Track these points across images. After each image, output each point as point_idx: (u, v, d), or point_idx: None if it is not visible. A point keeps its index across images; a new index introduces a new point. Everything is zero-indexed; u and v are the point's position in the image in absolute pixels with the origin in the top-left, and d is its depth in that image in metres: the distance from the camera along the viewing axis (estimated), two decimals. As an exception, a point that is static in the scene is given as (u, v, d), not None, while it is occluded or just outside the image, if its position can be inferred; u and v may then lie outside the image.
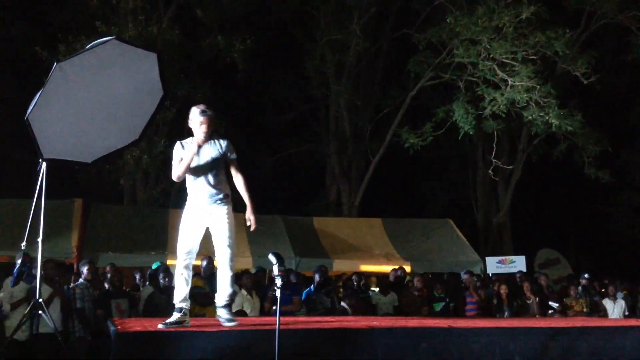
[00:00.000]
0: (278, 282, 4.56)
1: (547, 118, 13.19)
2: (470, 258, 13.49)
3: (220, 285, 5.13)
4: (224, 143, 5.09)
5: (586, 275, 11.75)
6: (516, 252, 16.55)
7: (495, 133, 14.99)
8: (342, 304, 8.68)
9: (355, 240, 13.26)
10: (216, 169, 5.05)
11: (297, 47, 18.37)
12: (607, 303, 10.98)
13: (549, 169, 21.17)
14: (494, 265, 13.57)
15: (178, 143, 5.09)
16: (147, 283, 8.23)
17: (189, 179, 5.03)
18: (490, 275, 12.92)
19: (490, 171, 15.78)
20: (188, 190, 5.06)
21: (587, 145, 16.10)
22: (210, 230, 5.10)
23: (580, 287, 11.29)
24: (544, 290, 11.13)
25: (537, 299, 10.54)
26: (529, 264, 14.66)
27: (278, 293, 4.50)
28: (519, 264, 13.55)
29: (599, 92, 16.05)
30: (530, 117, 13.46)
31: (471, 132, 14.33)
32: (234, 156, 5.11)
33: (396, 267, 11.14)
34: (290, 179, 21.00)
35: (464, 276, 10.74)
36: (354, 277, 10.34)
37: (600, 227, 23.30)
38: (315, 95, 18.66)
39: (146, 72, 5.48)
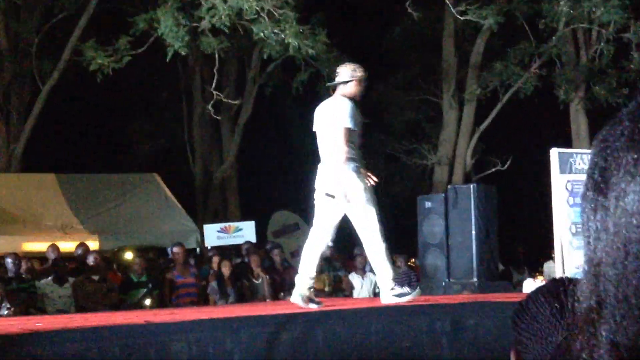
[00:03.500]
0: None
1: (282, 36, 13.76)
2: (183, 227, 13.77)
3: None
4: None
5: (329, 244, 12.70)
6: (244, 217, 17.27)
7: (217, 55, 15.26)
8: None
9: (15, 206, 12.90)
10: None
11: None
12: (353, 279, 12.04)
13: (287, 104, 22.29)
14: (214, 235, 13.99)
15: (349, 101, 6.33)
16: None
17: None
18: (209, 248, 13.30)
19: (210, 107, 16.09)
20: (349, 151, 6.19)
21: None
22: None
23: (322, 259, 12.17)
24: (277, 266, 11.80)
25: (268, 277, 11.13)
26: (260, 231, 15.41)
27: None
28: (246, 232, 14.14)
29: (354, 4, 17.22)
30: (262, 35, 13.92)
31: (183, 52, 14.37)
32: None
33: (77, 242, 11.00)
34: None
35: (174, 250, 10.89)
36: (9, 260, 9.88)
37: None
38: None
39: None
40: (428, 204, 10.86)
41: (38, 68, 16.89)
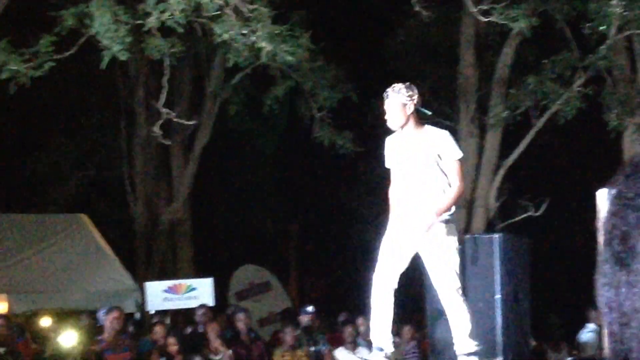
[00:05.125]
0: None
1: (253, 39, 13.81)
2: (119, 284, 13.68)
3: None
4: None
5: (309, 309, 12.67)
6: (199, 273, 17.19)
7: (167, 61, 15.28)
8: None
9: None
10: None
11: None
12: (341, 354, 11.99)
13: (262, 127, 22.32)
14: (159, 295, 13.93)
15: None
16: None
17: None
18: (152, 313, 13.22)
19: (157, 129, 16.08)
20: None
21: (318, 90, 17.29)
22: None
23: (299, 330, 12.13)
24: (242, 337, 11.74)
25: (231, 352, 11.08)
26: (220, 292, 15.34)
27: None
28: (202, 292, 14.08)
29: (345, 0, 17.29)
30: (226, 36, 13.96)
31: (123, 58, 14.38)
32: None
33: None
34: None
35: (104, 317, 10.83)
36: None
37: (344, 227, 25.32)
38: None
39: None
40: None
41: None
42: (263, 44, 13.80)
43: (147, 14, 14.05)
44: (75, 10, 14.58)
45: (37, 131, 22.20)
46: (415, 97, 7.23)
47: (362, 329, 12.21)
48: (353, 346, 11.98)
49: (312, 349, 11.99)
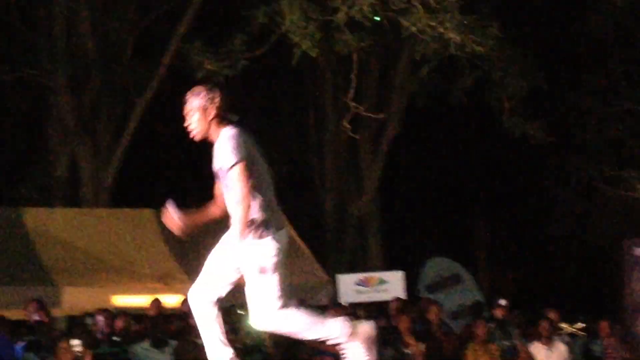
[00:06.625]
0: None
1: (441, 30, 13.74)
2: (312, 277, 13.86)
3: None
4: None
5: (502, 302, 12.53)
6: (390, 266, 17.22)
7: (356, 56, 15.38)
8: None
9: (104, 250, 13.25)
10: None
11: None
12: (537, 349, 11.81)
13: (447, 119, 22.20)
14: (351, 288, 14.05)
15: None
16: None
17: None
18: (345, 305, 13.35)
19: (345, 123, 16.20)
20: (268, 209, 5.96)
21: (509, 80, 17.05)
22: None
23: (492, 323, 12.02)
24: (433, 331, 11.72)
25: (424, 345, 11.08)
26: (410, 284, 15.33)
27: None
28: (393, 285, 14.13)
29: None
30: (414, 29, 13.95)
31: (313, 54, 14.55)
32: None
33: (181, 296, 11.15)
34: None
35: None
36: (100, 319, 10.25)
37: (532, 220, 24.93)
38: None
39: None
40: (639, 251, 10.61)
41: (132, 76, 17.46)
42: (451, 35, 13.75)
43: (336, 10, 14.20)
44: (267, 8, 14.87)
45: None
46: (217, 99, 6.06)
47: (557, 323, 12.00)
48: (549, 341, 11.77)
49: (506, 343, 11.85)
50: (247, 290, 5.89)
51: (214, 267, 5.97)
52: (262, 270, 5.80)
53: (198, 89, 6.04)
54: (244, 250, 5.80)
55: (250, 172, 5.81)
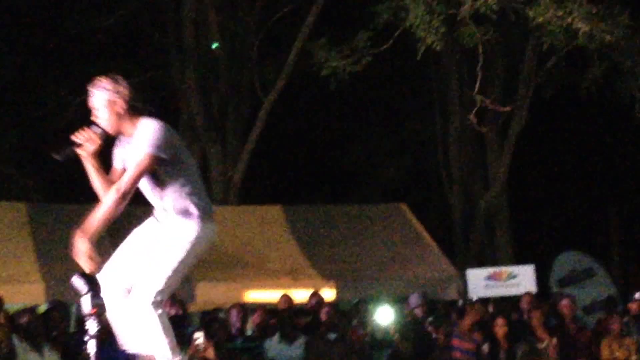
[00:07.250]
0: (91, 327, 4.52)
1: (569, 20, 13.57)
2: (441, 272, 13.84)
3: None
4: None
5: (637, 296, 12.32)
6: (520, 260, 17.07)
7: (481, 49, 15.30)
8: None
9: (235, 246, 13.36)
10: None
11: None
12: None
13: (576, 111, 21.90)
14: (480, 282, 14.00)
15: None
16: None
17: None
18: (473, 300, 13.32)
19: (472, 117, 16.15)
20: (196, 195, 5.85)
21: (639, 69, 16.71)
22: None
23: (627, 318, 11.82)
24: (566, 325, 11.60)
25: (557, 340, 10.97)
26: (541, 279, 15.19)
27: (92, 348, 4.51)
28: (524, 279, 14.02)
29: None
30: (541, 19, 13.82)
31: (437, 47, 14.54)
32: None
33: (311, 290, 11.52)
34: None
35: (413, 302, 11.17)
36: (233, 313, 10.41)
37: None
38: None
39: None
40: None
41: (259, 76, 17.71)
42: (579, 25, 13.56)
43: (460, 3, 14.17)
44: (391, 4, 14.93)
45: (354, 124, 22.76)
46: (125, 91, 5.74)
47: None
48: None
49: (643, 336, 11.63)
50: (145, 266, 5.71)
51: (127, 251, 5.81)
52: (170, 248, 5.69)
53: (101, 82, 5.68)
54: (165, 229, 5.75)
55: (177, 162, 5.66)
